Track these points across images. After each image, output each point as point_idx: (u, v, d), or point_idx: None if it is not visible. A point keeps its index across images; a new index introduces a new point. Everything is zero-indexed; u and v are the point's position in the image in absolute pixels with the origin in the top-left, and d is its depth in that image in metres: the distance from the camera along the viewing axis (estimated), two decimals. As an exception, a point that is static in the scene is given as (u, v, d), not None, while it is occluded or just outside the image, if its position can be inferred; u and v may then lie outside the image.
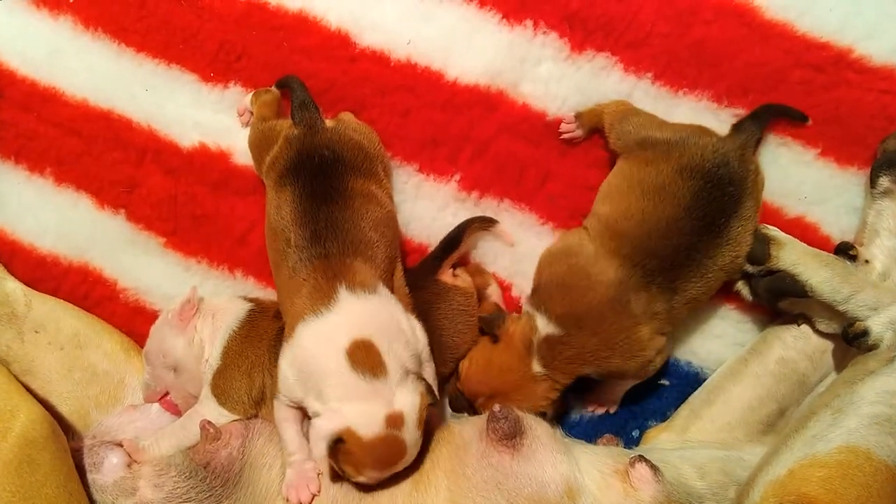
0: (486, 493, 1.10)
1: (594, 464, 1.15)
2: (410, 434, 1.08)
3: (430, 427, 1.16)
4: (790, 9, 1.32)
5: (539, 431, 1.14)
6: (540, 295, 1.25)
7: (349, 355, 1.07)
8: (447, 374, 1.31)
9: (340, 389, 1.07)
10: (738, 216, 1.20)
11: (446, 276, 1.31)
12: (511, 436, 1.12)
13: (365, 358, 1.07)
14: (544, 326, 1.21)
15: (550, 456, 1.12)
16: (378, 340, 1.08)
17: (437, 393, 1.15)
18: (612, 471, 1.14)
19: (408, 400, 1.08)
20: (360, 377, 1.06)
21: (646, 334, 1.19)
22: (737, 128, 1.26)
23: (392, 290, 1.20)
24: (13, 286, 1.36)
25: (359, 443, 1.06)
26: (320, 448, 1.06)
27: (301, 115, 1.24)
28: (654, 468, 1.12)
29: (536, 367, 1.21)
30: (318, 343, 1.10)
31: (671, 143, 1.23)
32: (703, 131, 1.25)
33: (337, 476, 1.14)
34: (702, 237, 1.18)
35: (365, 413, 1.06)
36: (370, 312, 1.11)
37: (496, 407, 1.14)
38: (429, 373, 1.18)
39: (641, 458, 1.14)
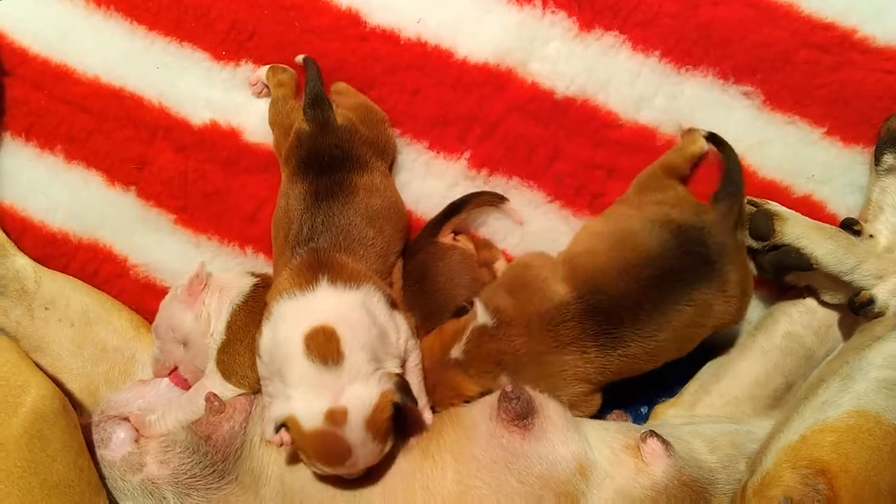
0: (495, 473, 1.09)
1: (605, 440, 1.15)
2: (354, 433, 1.03)
3: (404, 424, 1.14)
4: (796, -11, 1.34)
5: (551, 411, 1.13)
6: (493, 288, 1.24)
7: (306, 339, 1.06)
8: None
9: (295, 374, 1.06)
10: (708, 283, 1.16)
11: (445, 238, 1.31)
12: (523, 416, 1.11)
13: (321, 345, 1.05)
14: (482, 315, 1.19)
15: (562, 435, 1.11)
16: (343, 331, 1.06)
17: (416, 391, 1.12)
18: (623, 446, 1.15)
19: (359, 395, 1.04)
20: (311, 363, 1.04)
21: (569, 365, 1.16)
22: (715, 198, 1.24)
23: (390, 286, 1.20)
24: (23, 262, 1.36)
25: (300, 433, 1.04)
26: (268, 430, 1.06)
27: (313, 112, 1.24)
28: (665, 443, 1.13)
29: (454, 353, 1.18)
30: (283, 323, 1.10)
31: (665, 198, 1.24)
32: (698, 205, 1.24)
33: (292, 460, 1.14)
34: (657, 290, 1.15)
35: (308, 403, 1.04)
36: (344, 304, 1.10)
37: (508, 386, 1.12)
38: (412, 366, 1.17)
39: (652, 433, 1.14)
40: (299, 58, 1.36)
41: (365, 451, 1.05)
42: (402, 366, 1.16)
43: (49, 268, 1.39)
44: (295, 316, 1.09)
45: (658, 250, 1.17)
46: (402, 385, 1.08)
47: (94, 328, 1.35)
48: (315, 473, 1.13)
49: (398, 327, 1.15)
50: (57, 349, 1.32)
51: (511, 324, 1.17)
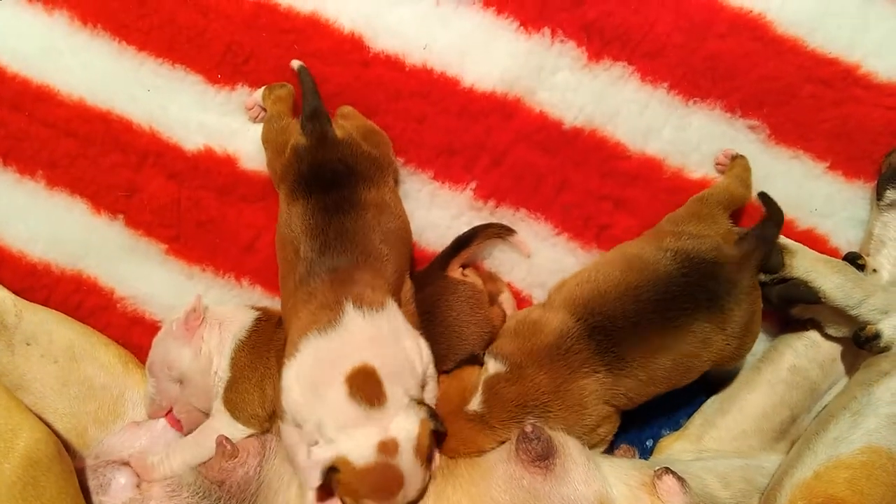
0: None
1: (621, 477, 1.14)
2: (406, 462, 1.04)
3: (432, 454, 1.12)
4: (801, 24, 1.34)
5: (571, 450, 1.12)
6: (497, 340, 1.24)
7: (349, 382, 1.03)
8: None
9: (337, 417, 1.03)
10: (708, 317, 1.16)
11: (454, 272, 1.28)
12: (544, 457, 1.09)
13: (364, 386, 1.03)
14: (493, 366, 1.19)
15: (584, 474, 1.10)
16: (380, 366, 1.05)
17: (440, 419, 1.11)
18: (640, 483, 1.14)
19: (405, 426, 1.04)
20: (357, 405, 1.03)
21: (587, 389, 1.15)
22: (741, 239, 1.23)
23: (400, 305, 1.17)
24: (2, 295, 1.28)
25: (352, 471, 1.02)
26: (314, 477, 1.02)
27: (311, 126, 1.20)
28: (680, 480, 1.12)
29: (473, 406, 1.16)
30: (320, 365, 1.06)
31: (684, 231, 1.23)
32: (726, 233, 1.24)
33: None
34: (656, 312, 1.15)
35: (358, 440, 1.03)
36: (375, 333, 1.08)
37: (528, 427, 1.10)
38: (430, 392, 1.15)
39: (668, 469, 1.13)
40: (295, 63, 1.30)
41: (416, 479, 1.06)
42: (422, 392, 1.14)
43: (29, 301, 1.31)
44: (329, 356, 1.06)
45: (663, 276, 1.17)
46: (433, 413, 1.09)
47: (80, 364, 1.28)
48: None
49: (421, 352, 1.13)
50: (40, 387, 1.25)
51: (524, 365, 1.16)
